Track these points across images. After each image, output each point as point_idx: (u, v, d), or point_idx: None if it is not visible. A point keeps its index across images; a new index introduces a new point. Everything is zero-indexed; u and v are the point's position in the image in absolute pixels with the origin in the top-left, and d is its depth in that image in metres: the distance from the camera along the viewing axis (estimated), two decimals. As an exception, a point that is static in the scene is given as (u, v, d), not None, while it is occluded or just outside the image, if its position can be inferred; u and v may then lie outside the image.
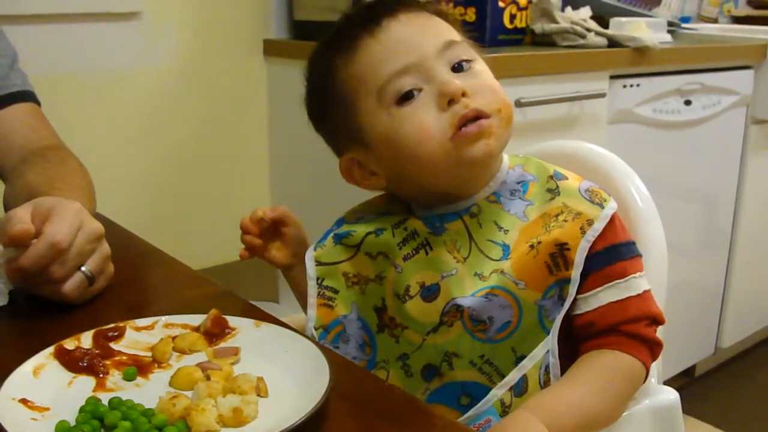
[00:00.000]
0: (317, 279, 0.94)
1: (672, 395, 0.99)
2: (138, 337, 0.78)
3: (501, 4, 1.82)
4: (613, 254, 0.86)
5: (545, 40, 1.87)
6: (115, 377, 0.72)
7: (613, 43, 1.80)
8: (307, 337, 0.76)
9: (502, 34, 1.84)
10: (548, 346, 0.84)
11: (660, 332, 0.87)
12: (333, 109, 0.92)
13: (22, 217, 0.84)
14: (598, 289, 0.85)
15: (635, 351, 0.83)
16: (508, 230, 0.87)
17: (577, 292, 0.85)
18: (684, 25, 2.32)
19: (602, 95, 1.76)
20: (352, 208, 1.00)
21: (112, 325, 0.79)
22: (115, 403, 0.65)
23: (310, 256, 0.95)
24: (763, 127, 2.23)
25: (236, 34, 2.16)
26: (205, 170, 2.19)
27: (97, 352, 0.74)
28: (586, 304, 0.85)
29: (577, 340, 0.86)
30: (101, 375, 0.72)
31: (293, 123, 2.21)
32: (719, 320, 2.38)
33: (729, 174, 2.24)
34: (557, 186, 0.89)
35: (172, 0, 2.02)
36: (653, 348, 0.85)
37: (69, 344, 0.74)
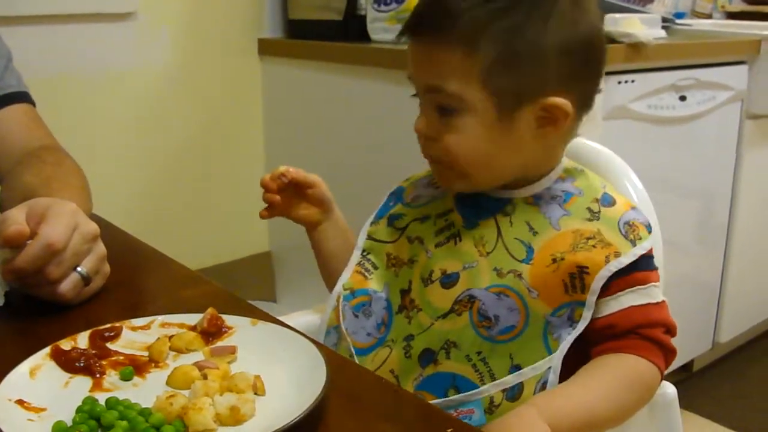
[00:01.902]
0: (363, 251, 0.99)
1: (670, 390, 0.99)
2: (134, 336, 0.78)
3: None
4: (636, 264, 0.86)
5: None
6: (111, 377, 0.72)
7: (607, 39, 1.79)
8: (304, 335, 0.76)
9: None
10: (551, 363, 0.84)
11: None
12: None
13: (17, 218, 0.84)
14: (620, 293, 0.85)
15: (652, 355, 0.83)
16: (537, 232, 0.88)
17: (598, 297, 0.85)
18: (678, 20, 2.32)
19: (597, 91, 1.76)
20: (414, 176, 1.04)
21: (108, 325, 0.79)
22: (112, 403, 0.65)
23: (365, 229, 1.00)
24: (758, 122, 2.23)
25: (231, 34, 2.16)
26: (200, 170, 2.19)
27: (93, 352, 0.74)
28: (607, 308, 0.85)
29: (589, 345, 0.86)
30: (98, 375, 0.71)
31: (289, 122, 2.21)
32: (716, 315, 2.38)
33: (724, 169, 2.24)
34: (599, 210, 0.89)
35: (167, 0, 2.02)
36: (668, 355, 0.85)
37: (65, 344, 0.74)
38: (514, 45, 0.84)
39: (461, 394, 0.86)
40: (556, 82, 0.86)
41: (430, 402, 0.85)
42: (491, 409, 0.84)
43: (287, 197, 1.02)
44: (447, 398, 0.86)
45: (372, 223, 1.00)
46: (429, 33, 0.87)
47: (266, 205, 1.01)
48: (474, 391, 0.85)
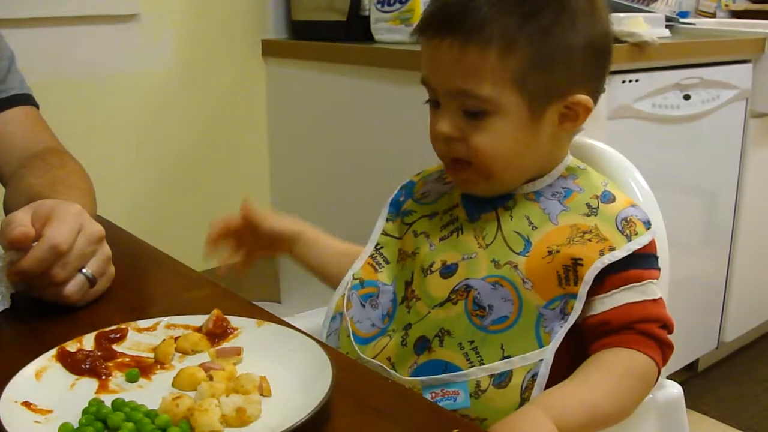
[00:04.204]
0: (377, 245, 1.00)
1: (675, 389, 0.99)
2: (140, 338, 0.78)
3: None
4: (632, 262, 0.86)
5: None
6: (117, 379, 0.72)
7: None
8: (309, 336, 0.76)
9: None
10: (543, 356, 0.84)
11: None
12: None
13: (23, 220, 0.84)
14: (615, 290, 0.85)
15: (649, 350, 0.83)
16: (536, 227, 0.89)
17: (593, 294, 0.85)
18: (682, 20, 2.32)
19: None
20: (425, 171, 1.04)
21: (114, 327, 0.79)
22: (118, 405, 0.65)
23: (380, 225, 1.02)
24: (763, 121, 2.23)
25: (234, 35, 2.16)
26: (205, 171, 2.19)
27: (99, 354, 0.74)
28: (602, 305, 0.85)
29: (586, 343, 0.86)
30: (104, 377, 0.72)
31: (293, 123, 2.21)
32: (721, 315, 2.37)
33: (729, 168, 2.24)
34: (598, 206, 0.89)
35: (170, 2, 2.02)
36: (665, 350, 0.85)
37: (71, 346, 0.74)
38: (546, 46, 0.85)
39: (448, 374, 0.86)
40: (579, 79, 0.89)
41: (417, 379, 0.87)
42: (477, 393, 0.85)
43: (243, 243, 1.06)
44: (433, 376, 0.87)
45: (387, 220, 1.02)
46: (454, 36, 0.85)
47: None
48: (461, 373, 0.86)
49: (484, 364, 0.86)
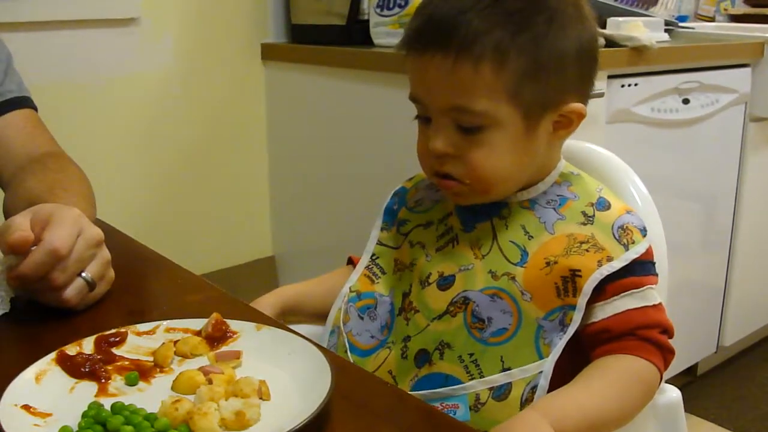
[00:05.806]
0: (372, 255, 1.00)
1: (674, 393, 0.99)
2: (139, 342, 0.79)
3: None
4: (631, 269, 0.86)
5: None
6: (117, 382, 0.72)
7: (610, 43, 1.80)
8: (308, 340, 0.76)
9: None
10: (543, 368, 0.84)
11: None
12: None
13: (22, 225, 0.84)
14: (615, 297, 0.85)
15: (650, 355, 0.83)
16: (532, 236, 0.89)
17: (593, 302, 0.85)
18: (681, 24, 2.32)
19: (600, 95, 1.76)
20: (417, 177, 1.04)
21: (113, 331, 0.79)
22: (118, 408, 0.65)
23: (374, 235, 1.01)
24: (762, 125, 2.23)
25: (234, 39, 2.16)
26: (204, 174, 2.19)
27: (98, 357, 0.74)
28: (602, 312, 0.85)
29: (587, 350, 0.86)
30: (103, 380, 0.72)
31: (292, 126, 2.21)
32: (721, 318, 2.37)
33: (728, 172, 2.24)
34: (594, 215, 0.89)
35: (170, 5, 2.02)
36: (666, 355, 0.85)
37: (71, 350, 0.74)
38: (540, 55, 0.84)
39: (447, 388, 0.86)
40: (572, 86, 0.88)
41: (417, 393, 0.86)
42: (477, 406, 0.85)
43: None
44: (432, 390, 0.87)
45: (382, 229, 1.01)
46: (446, 52, 0.84)
47: None
48: (460, 386, 0.86)
49: (484, 376, 0.85)
